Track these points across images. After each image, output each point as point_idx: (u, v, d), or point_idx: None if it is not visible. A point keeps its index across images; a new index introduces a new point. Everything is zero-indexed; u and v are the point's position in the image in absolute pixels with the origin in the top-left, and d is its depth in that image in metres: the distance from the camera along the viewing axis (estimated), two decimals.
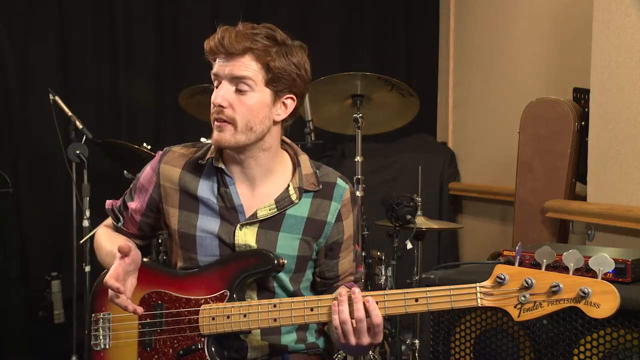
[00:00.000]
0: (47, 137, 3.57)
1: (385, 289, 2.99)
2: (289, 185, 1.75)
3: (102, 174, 3.75)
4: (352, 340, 1.54)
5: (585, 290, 1.38)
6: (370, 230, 3.10)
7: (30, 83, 3.85)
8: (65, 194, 3.63)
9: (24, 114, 3.85)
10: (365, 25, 4.57)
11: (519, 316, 1.44)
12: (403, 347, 3.07)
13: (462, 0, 4.42)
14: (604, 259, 1.39)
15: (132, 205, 1.86)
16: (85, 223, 3.22)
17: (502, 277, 1.46)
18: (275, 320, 1.61)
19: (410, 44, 4.68)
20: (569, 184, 2.88)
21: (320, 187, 1.77)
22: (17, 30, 3.84)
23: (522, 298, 1.43)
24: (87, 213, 3.22)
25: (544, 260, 1.44)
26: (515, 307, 1.45)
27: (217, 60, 1.68)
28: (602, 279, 1.39)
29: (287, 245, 1.73)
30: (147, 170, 1.84)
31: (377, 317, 1.52)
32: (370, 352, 2.78)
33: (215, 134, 1.69)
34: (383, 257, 3.12)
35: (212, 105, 1.69)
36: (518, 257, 1.48)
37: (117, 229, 1.91)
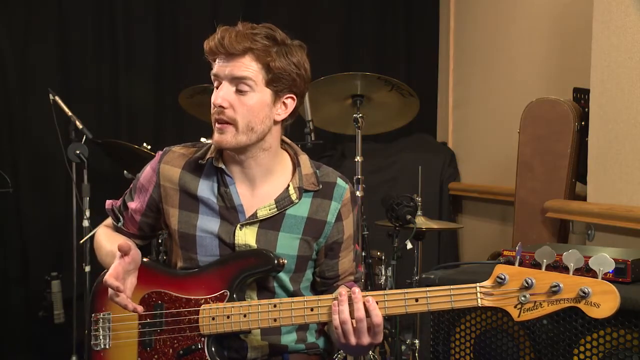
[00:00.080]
0: (47, 137, 3.57)
1: (385, 289, 2.99)
2: (289, 185, 1.75)
3: (102, 174, 3.75)
4: (352, 340, 1.54)
5: (586, 290, 1.38)
6: (370, 230, 3.10)
7: (30, 83, 3.85)
8: (65, 194, 3.63)
9: (24, 114, 3.85)
10: (365, 25, 4.57)
11: (519, 316, 1.44)
12: (403, 347, 3.07)
13: (462, 0, 4.42)
14: (604, 259, 1.39)
15: (132, 205, 1.86)
16: (85, 223, 3.22)
17: (502, 277, 1.46)
18: (275, 320, 1.61)
19: (410, 44, 4.68)
20: (569, 184, 2.88)
21: (320, 187, 1.77)
22: (17, 30, 3.84)
23: (522, 298, 1.43)
24: (87, 213, 3.22)
25: (544, 260, 1.44)
26: (515, 307, 1.45)
27: (217, 60, 1.68)
28: (602, 279, 1.39)
29: (287, 245, 1.73)
30: (147, 170, 1.84)
31: (377, 317, 1.52)
32: (370, 352, 2.78)
33: (216, 135, 1.69)
34: (383, 257, 3.12)
35: (212, 105, 1.69)
36: (518, 257, 1.48)
37: (117, 229, 1.91)
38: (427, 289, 1.52)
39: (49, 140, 3.50)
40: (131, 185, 1.90)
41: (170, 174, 1.79)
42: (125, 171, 3.41)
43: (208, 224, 1.74)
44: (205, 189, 1.76)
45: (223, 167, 1.75)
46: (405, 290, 1.54)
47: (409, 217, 2.85)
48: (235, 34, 1.64)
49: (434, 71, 4.69)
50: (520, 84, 3.68)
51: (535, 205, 2.95)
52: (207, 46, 1.68)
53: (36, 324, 3.77)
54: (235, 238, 1.72)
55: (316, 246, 1.78)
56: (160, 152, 1.84)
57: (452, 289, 1.50)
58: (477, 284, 1.49)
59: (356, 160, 3.02)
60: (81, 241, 3.18)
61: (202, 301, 1.68)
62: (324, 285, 1.84)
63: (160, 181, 1.80)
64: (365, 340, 1.54)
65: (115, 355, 1.76)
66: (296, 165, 1.79)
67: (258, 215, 1.72)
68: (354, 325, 1.54)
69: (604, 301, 1.37)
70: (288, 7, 4.36)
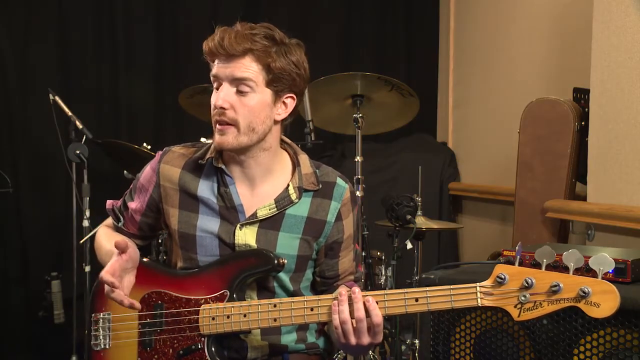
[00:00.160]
0: (47, 137, 3.57)
1: (385, 289, 2.99)
2: (288, 185, 1.75)
3: (102, 174, 3.75)
4: (352, 340, 1.54)
5: (586, 289, 1.38)
6: (370, 230, 3.10)
7: (30, 83, 3.85)
8: (65, 194, 3.63)
9: (24, 114, 3.85)
10: (365, 25, 4.57)
11: (519, 316, 1.44)
12: (403, 347, 3.06)
13: (462, 0, 4.42)
14: (604, 258, 1.39)
15: (132, 205, 1.86)
16: (85, 223, 3.21)
17: (502, 276, 1.46)
18: (275, 320, 1.61)
19: (410, 44, 4.68)
20: (569, 184, 2.88)
21: (320, 186, 1.77)
22: (17, 30, 3.84)
23: (522, 298, 1.43)
24: (87, 213, 3.22)
25: (544, 260, 1.44)
26: (515, 306, 1.44)
27: (217, 61, 1.68)
28: (602, 278, 1.39)
29: (287, 244, 1.73)
30: (147, 170, 1.85)
31: (377, 316, 1.52)
32: (370, 352, 2.78)
33: (217, 136, 1.69)
34: (383, 257, 3.12)
35: (212, 107, 1.69)
36: (518, 256, 1.48)
37: (117, 229, 1.91)
38: (427, 288, 1.52)
39: (49, 140, 3.50)
40: (131, 186, 1.90)
41: (170, 174, 1.79)
42: (125, 171, 3.41)
43: (208, 223, 1.74)
44: (205, 189, 1.76)
45: (223, 167, 1.75)
46: (405, 290, 1.54)
47: (409, 217, 2.85)
48: (235, 34, 1.63)
49: (434, 71, 4.69)
50: (520, 84, 3.67)
51: (535, 205, 2.95)
52: (206, 47, 1.67)
53: (36, 324, 3.77)
54: (235, 238, 1.72)
55: (316, 246, 1.78)
56: (160, 152, 1.84)
57: (452, 288, 1.50)
58: (477, 283, 1.49)
59: (356, 160, 3.02)
60: (81, 241, 3.18)
61: (202, 301, 1.68)
62: (324, 285, 1.84)
63: (160, 181, 1.80)
64: (365, 340, 1.54)
65: (115, 355, 1.76)
66: (296, 164, 1.79)
67: (258, 215, 1.72)
68: (354, 325, 1.54)
69: (604, 301, 1.37)
70: (288, 7, 4.36)
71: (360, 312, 1.52)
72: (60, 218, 3.73)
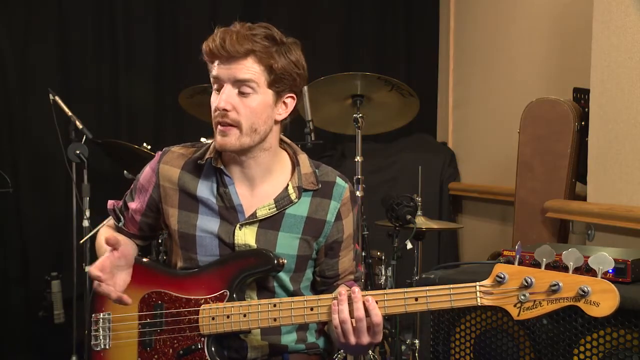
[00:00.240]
0: (47, 137, 3.57)
1: (385, 289, 2.99)
2: (288, 185, 1.75)
3: (102, 174, 3.75)
4: (352, 340, 1.54)
5: (585, 289, 1.37)
6: (370, 230, 3.10)
7: (30, 83, 3.85)
8: (65, 194, 3.63)
9: (24, 114, 3.85)
10: (365, 25, 4.57)
11: (518, 315, 1.44)
12: (403, 347, 3.06)
13: (462, 0, 4.42)
14: (603, 257, 1.39)
15: (133, 205, 1.86)
16: (85, 223, 3.22)
17: (502, 276, 1.46)
18: (275, 319, 1.61)
19: (410, 44, 4.68)
20: (569, 184, 2.88)
21: (320, 186, 1.77)
22: (17, 30, 3.84)
23: (522, 297, 1.43)
24: (87, 213, 3.22)
25: (544, 259, 1.44)
26: (514, 306, 1.44)
27: (217, 62, 1.67)
28: (603, 278, 1.38)
29: (287, 244, 1.73)
30: (147, 170, 1.85)
31: (377, 316, 1.52)
32: (370, 352, 2.78)
33: (220, 138, 1.68)
34: (383, 257, 3.12)
35: (213, 108, 1.68)
36: (517, 256, 1.48)
37: (118, 229, 1.91)
38: (427, 288, 1.52)
39: (49, 140, 3.50)
40: (132, 186, 1.90)
41: (169, 174, 1.79)
42: (125, 171, 3.41)
43: (208, 223, 1.74)
44: (204, 189, 1.76)
45: (222, 167, 1.75)
46: (405, 290, 1.54)
47: (409, 217, 2.85)
48: (236, 35, 1.63)
49: (434, 71, 4.69)
50: (520, 84, 3.67)
51: (535, 205, 2.95)
52: (207, 48, 1.66)
53: (36, 324, 3.77)
54: (235, 238, 1.72)
55: (316, 245, 1.78)
56: (159, 153, 1.84)
57: (452, 288, 1.50)
58: (477, 283, 1.49)
59: (356, 160, 3.02)
60: (81, 241, 3.18)
61: (202, 301, 1.68)
62: (324, 284, 1.84)
63: (159, 181, 1.80)
64: (365, 339, 1.54)
65: (115, 356, 1.76)
66: (295, 164, 1.79)
67: (257, 215, 1.72)
68: (354, 324, 1.54)
69: (604, 300, 1.37)
70: (288, 7, 4.36)
71: (359, 312, 1.52)
72: (60, 218, 3.73)
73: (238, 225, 1.72)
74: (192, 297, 1.70)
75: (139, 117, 4.11)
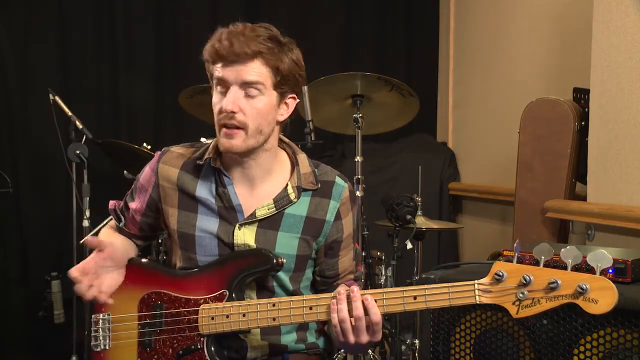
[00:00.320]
0: (47, 137, 3.57)
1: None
2: (287, 185, 1.75)
3: (102, 174, 3.75)
4: (351, 339, 1.54)
5: (584, 286, 1.37)
6: (370, 230, 3.10)
7: (30, 83, 3.85)
8: (65, 194, 3.63)
9: (24, 114, 3.85)
10: (365, 25, 4.57)
11: (517, 313, 1.44)
12: (403, 347, 3.06)
13: (462, 0, 4.42)
14: (602, 255, 1.38)
15: (133, 205, 1.86)
16: (85, 223, 3.22)
17: (501, 274, 1.46)
18: (274, 319, 1.61)
19: (410, 44, 4.68)
20: (569, 184, 2.88)
21: (319, 185, 1.77)
22: (17, 30, 3.84)
23: (521, 295, 1.43)
24: (87, 213, 3.22)
25: (542, 257, 1.44)
26: (513, 303, 1.44)
27: (220, 64, 1.64)
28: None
29: (287, 244, 1.73)
30: (147, 170, 1.85)
31: (376, 315, 1.52)
32: (370, 352, 2.78)
33: (225, 141, 1.67)
34: (383, 257, 3.12)
35: (218, 111, 1.66)
36: (516, 254, 1.48)
37: (119, 230, 1.91)
38: (426, 286, 1.52)
39: (49, 140, 3.50)
40: (132, 186, 1.90)
41: (168, 174, 1.79)
42: (125, 171, 3.41)
43: (207, 223, 1.74)
44: (203, 189, 1.76)
45: (221, 167, 1.75)
46: (404, 288, 1.54)
47: (409, 217, 2.85)
48: (243, 37, 1.61)
49: (434, 71, 4.69)
50: (520, 84, 3.67)
51: (535, 205, 2.95)
52: (212, 50, 1.64)
53: (36, 324, 3.77)
54: (234, 238, 1.72)
55: (315, 245, 1.78)
56: (159, 152, 1.84)
57: (451, 286, 1.50)
58: (475, 281, 1.48)
59: (356, 160, 3.02)
60: (81, 241, 3.18)
61: (202, 301, 1.68)
62: (323, 284, 1.84)
63: (159, 181, 1.80)
64: (364, 338, 1.54)
65: (115, 356, 1.76)
66: (294, 164, 1.79)
67: (257, 214, 1.72)
68: (353, 323, 1.54)
69: (602, 297, 1.36)
70: (288, 7, 4.36)
71: (358, 311, 1.52)
72: (60, 218, 3.73)
73: (237, 225, 1.72)
74: (191, 297, 1.70)
75: (139, 117, 4.11)
